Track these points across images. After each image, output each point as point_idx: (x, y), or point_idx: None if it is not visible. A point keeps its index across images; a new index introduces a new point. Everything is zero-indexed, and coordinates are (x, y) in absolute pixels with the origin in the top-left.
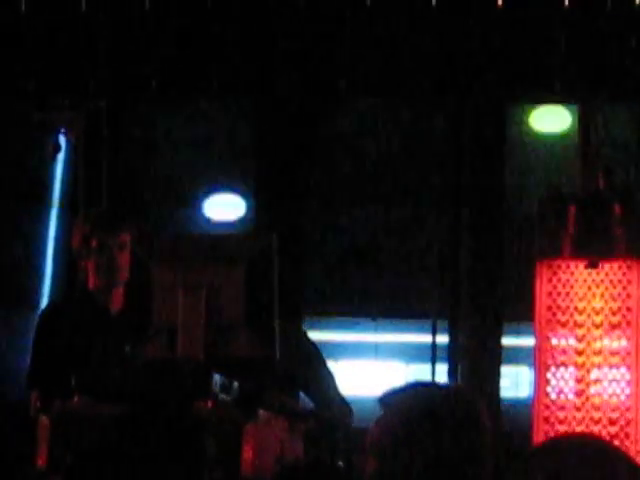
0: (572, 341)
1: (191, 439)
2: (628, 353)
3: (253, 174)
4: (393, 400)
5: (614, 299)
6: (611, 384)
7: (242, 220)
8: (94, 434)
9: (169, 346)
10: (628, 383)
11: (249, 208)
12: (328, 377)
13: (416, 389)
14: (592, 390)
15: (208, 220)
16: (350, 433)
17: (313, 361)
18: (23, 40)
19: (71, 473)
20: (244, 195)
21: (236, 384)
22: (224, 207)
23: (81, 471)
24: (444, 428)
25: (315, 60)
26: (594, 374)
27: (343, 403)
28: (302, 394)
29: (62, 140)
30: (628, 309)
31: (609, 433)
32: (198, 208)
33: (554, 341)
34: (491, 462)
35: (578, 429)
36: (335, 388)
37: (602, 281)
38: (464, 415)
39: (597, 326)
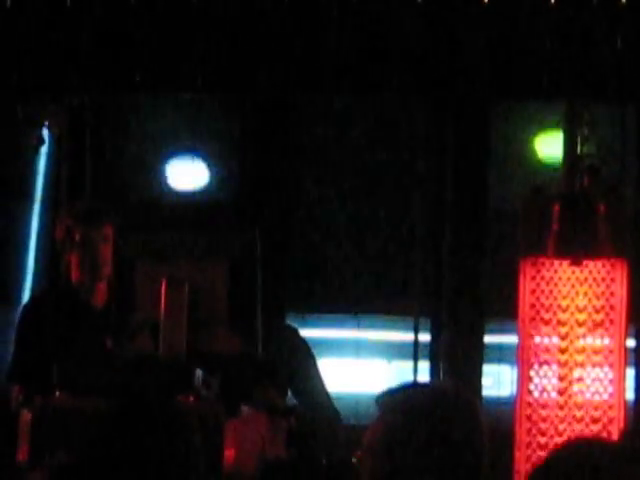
0: (555, 339)
1: (177, 435)
2: (611, 351)
3: (238, 169)
4: (391, 400)
5: (598, 297)
6: (594, 382)
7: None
8: (76, 429)
9: (152, 342)
10: (611, 382)
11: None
12: (317, 376)
13: (414, 389)
14: (575, 388)
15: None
16: (334, 431)
17: (303, 360)
18: (6, 34)
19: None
20: (231, 194)
21: (218, 380)
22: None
23: (67, 469)
24: (444, 428)
25: (296, 56)
26: (577, 372)
27: (331, 402)
28: (290, 392)
29: (45, 134)
30: (612, 307)
31: (591, 431)
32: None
33: (537, 339)
34: (487, 460)
35: (560, 427)
36: (324, 387)
37: (586, 279)
38: (463, 415)
39: (580, 324)
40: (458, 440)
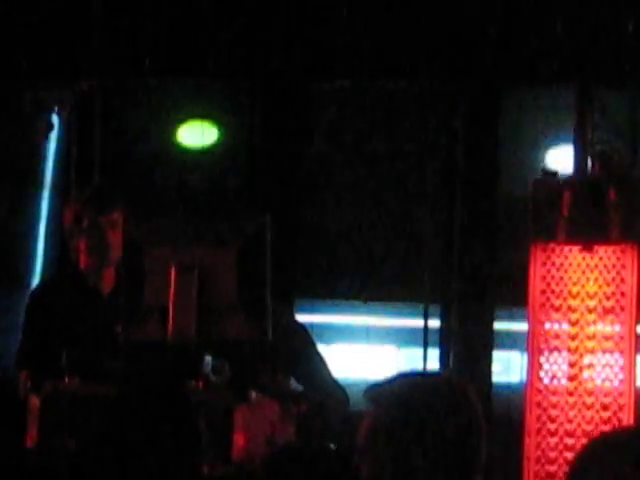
0: (565, 325)
1: (184, 421)
2: (621, 338)
3: (246, 157)
4: (380, 395)
5: (608, 284)
6: (604, 369)
7: None
8: (85, 415)
9: (161, 327)
10: (621, 368)
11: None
12: (319, 361)
13: (402, 381)
14: (585, 375)
15: None
16: (343, 417)
17: (303, 345)
18: (15, 18)
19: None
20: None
21: (227, 366)
22: None
23: (76, 455)
24: (436, 419)
25: (306, 41)
26: (587, 359)
27: (336, 387)
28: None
29: (54, 119)
30: (622, 294)
31: (601, 418)
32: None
33: (547, 325)
34: (485, 446)
35: (571, 414)
36: (327, 372)
37: (596, 265)
38: (455, 404)
39: (591, 310)
40: (453, 432)
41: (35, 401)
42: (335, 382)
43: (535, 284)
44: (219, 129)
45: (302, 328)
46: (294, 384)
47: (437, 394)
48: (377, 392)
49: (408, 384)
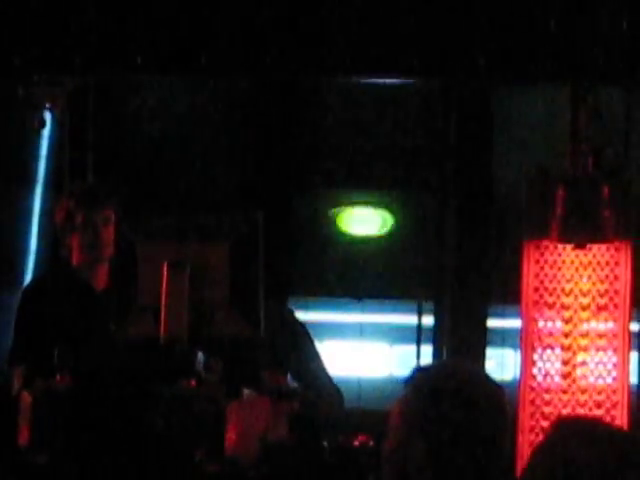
0: (559, 323)
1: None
2: (615, 335)
3: (241, 153)
4: (416, 379)
5: (602, 281)
6: (597, 367)
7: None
8: (77, 413)
9: (153, 324)
10: (614, 366)
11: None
12: (316, 359)
13: (436, 367)
14: (578, 372)
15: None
16: (338, 414)
17: (300, 342)
18: (7, 14)
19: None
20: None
21: (220, 363)
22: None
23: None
24: (469, 406)
25: (300, 36)
26: (580, 356)
27: (332, 385)
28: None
29: (47, 116)
30: (615, 291)
31: (595, 416)
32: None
33: (541, 323)
34: (510, 440)
35: (564, 412)
36: (324, 370)
37: (590, 263)
38: (489, 396)
39: (584, 308)
40: (485, 418)
41: (27, 398)
42: (331, 380)
43: (528, 282)
44: (214, 123)
45: (301, 325)
46: (290, 381)
47: (470, 382)
48: (414, 376)
49: (445, 370)
